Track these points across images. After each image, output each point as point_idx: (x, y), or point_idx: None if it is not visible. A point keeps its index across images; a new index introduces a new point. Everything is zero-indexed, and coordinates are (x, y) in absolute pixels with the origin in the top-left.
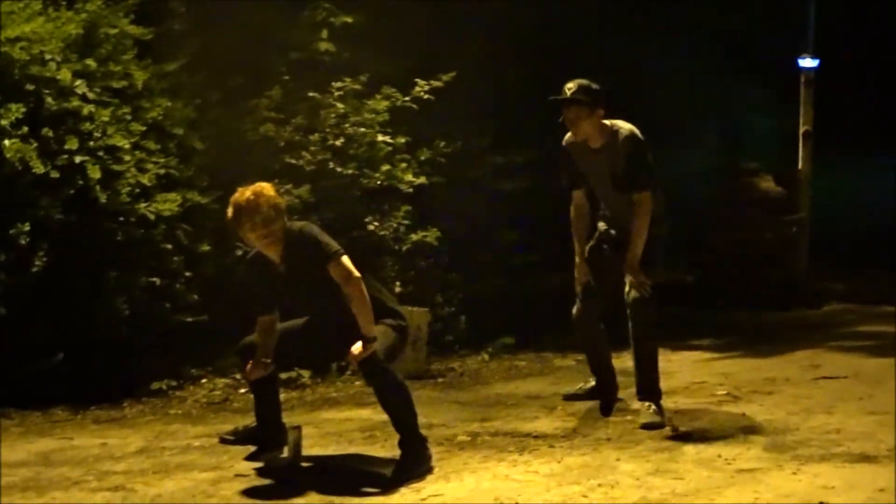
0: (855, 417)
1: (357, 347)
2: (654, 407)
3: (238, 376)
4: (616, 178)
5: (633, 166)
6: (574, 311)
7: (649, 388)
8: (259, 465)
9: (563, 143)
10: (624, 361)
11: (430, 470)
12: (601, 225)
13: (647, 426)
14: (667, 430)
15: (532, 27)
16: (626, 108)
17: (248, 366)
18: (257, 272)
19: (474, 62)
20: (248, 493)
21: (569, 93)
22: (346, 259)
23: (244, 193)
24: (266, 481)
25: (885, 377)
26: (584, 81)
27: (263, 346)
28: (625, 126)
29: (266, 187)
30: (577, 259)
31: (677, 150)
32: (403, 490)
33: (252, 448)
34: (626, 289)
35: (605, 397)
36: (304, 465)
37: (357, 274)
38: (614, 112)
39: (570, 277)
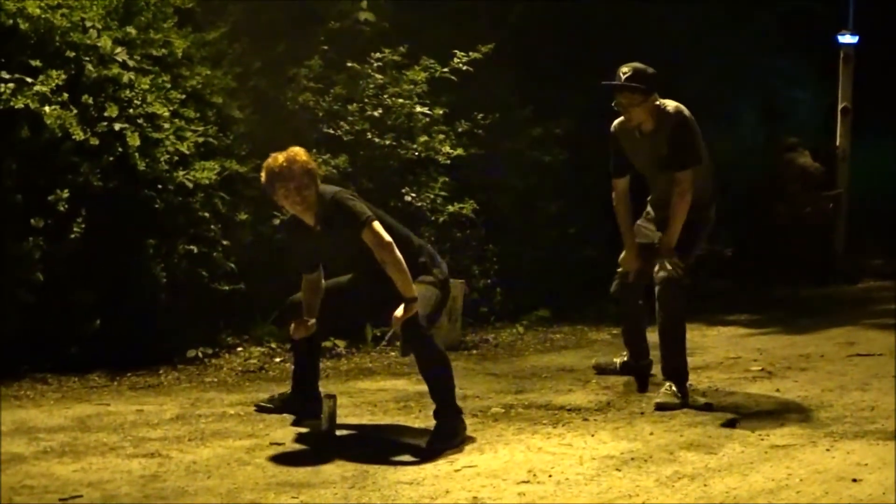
0: (889, 395)
1: (399, 311)
2: (674, 387)
3: (274, 345)
4: (662, 159)
5: (676, 144)
6: (614, 285)
7: (673, 367)
8: (294, 433)
9: (612, 128)
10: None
11: (464, 441)
12: (649, 208)
13: (660, 406)
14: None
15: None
16: (667, 84)
17: (293, 325)
18: (295, 233)
19: (513, 33)
20: (284, 460)
21: (623, 77)
22: (377, 225)
23: (277, 159)
24: (301, 449)
25: None
26: (638, 65)
27: (309, 304)
28: (671, 105)
29: (299, 152)
30: (626, 248)
31: (718, 126)
32: (437, 460)
33: (287, 416)
34: (656, 268)
35: (638, 373)
36: (339, 433)
37: (388, 239)
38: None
39: (609, 251)
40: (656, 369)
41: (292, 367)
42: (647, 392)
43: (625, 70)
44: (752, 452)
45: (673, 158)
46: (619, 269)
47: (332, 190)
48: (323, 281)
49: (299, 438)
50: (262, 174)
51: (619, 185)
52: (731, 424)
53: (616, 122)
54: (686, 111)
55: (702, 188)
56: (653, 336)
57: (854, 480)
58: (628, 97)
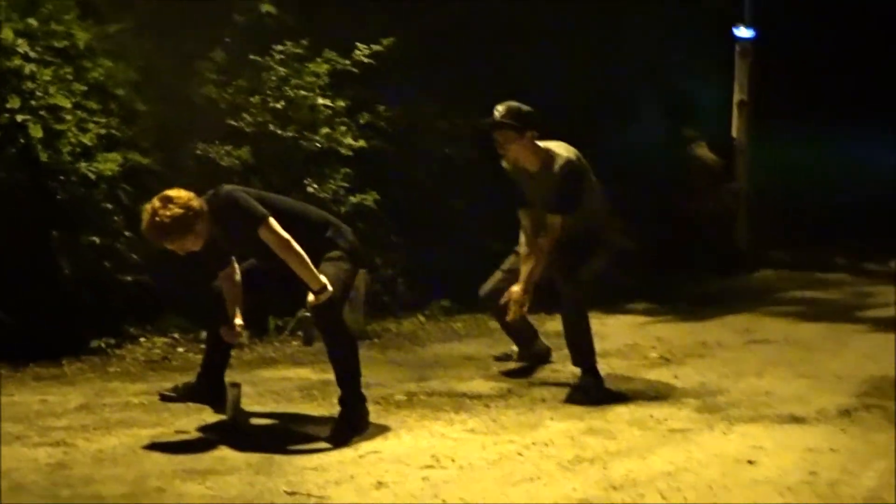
0: (785, 380)
1: (311, 297)
2: (586, 378)
3: (177, 335)
4: (547, 203)
5: (559, 190)
6: (487, 286)
7: (583, 356)
8: (199, 422)
9: (504, 164)
10: (557, 324)
11: (367, 427)
12: None
13: (573, 400)
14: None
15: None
16: (570, 83)
17: (223, 329)
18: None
19: (418, 27)
20: (189, 448)
21: (497, 115)
22: (272, 223)
23: (145, 220)
24: (206, 437)
25: (815, 342)
26: (513, 104)
27: (231, 302)
28: (562, 154)
29: (176, 199)
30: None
31: (620, 119)
32: (342, 447)
33: (192, 405)
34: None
35: (536, 359)
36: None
37: (286, 236)
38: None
39: (509, 242)
40: (556, 355)
41: (202, 354)
42: (545, 378)
43: (500, 109)
44: (651, 437)
45: (553, 202)
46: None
47: (225, 190)
48: (238, 272)
49: (204, 427)
50: (154, 236)
51: (522, 217)
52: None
53: (503, 161)
54: (575, 158)
55: (592, 219)
56: (554, 324)
57: (750, 462)
58: (503, 135)
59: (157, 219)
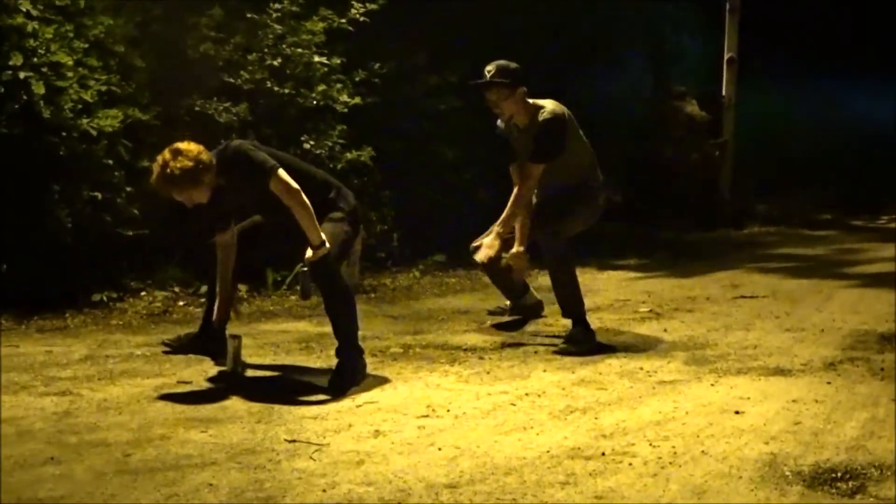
0: (771, 334)
1: (309, 252)
2: (577, 328)
3: (177, 289)
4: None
5: (537, 139)
6: (476, 242)
7: (570, 307)
8: (201, 372)
9: (496, 129)
10: (547, 279)
11: (365, 378)
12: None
13: (563, 352)
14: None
15: None
16: (557, 33)
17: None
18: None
19: None
20: (191, 398)
21: (488, 76)
22: (282, 173)
23: (154, 172)
24: (208, 387)
25: (802, 296)
26: (501, 62)
27: (224, 276)
28: (548, 107)
29: (186, 152)
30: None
31: (606, 73)
32: (340, 397)
33: (193, 356)
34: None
35: (527, 312)
36: (244, 373)
37: (295, 186)
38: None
39: (503, 195)
40: (547, 309)
41: (201, 308)
42: (537, 331)
43: (489, 68)
44: (641, 388)
45: (531, 151)
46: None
47: (234, 144)
48: (234, 240)
49: (206, 378)
50: (160, 184)
51: (513, 172)
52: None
53: (499, 121)
54: (559, 112)
55: (581, 175)
56: (544, 278)
57: (736, 412)
58: (496, 93)
59: (168, 170)
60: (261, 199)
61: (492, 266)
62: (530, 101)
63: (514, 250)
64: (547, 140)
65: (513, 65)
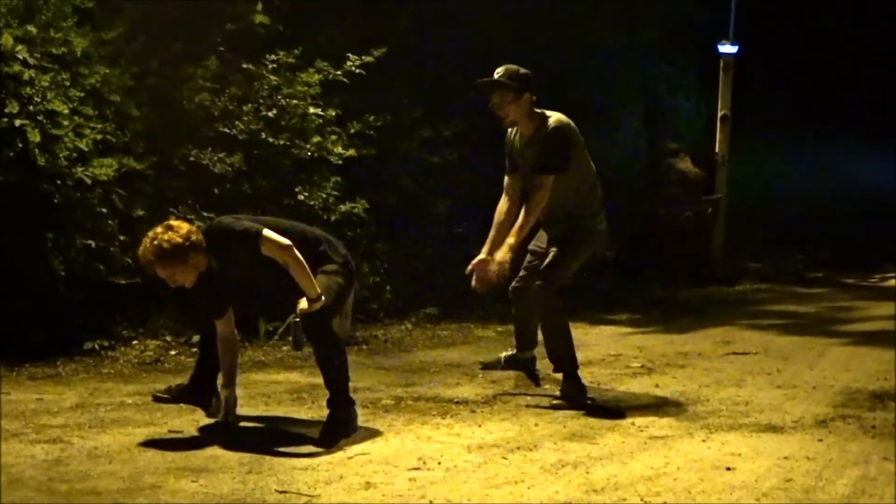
0: (763, 390)
1: (303, 303)
2: (569, 384)
3: (169, 338)
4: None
5: (545, 149)
6: (514, 283)
7: (563, 362)
8: (192, 422)
9: (506, 130)
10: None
11: (356, 430)
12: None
13: (564, 398)
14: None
15: (463, 5)
16: (554, 89)
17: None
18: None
19: (404, 36)
20: (182, 447)
21: (496, 76)
22: (269, 233)
23: (146, 248)
24: (199, 437)
25: (793, 353)
26: (512, 67)
27: (229, 369)
28: (554, 117)
29: (177, 228)
30: (483, 251)
31: (601, 130)
32: (331, 448)
33: (184, 406)
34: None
35: (523, 368)
36: (236, 423)
37: (287, 242)
38: (543, 96)
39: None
40: (540, 364)
41: (194, 358)
42: (539, 385)
43: (499, 70)
44: (632, 442)
45: (538, 162)
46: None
47: (215, 223)
48: (234, 329)
49: (197, 427)
50: (152, 261)
51: (508, 182)
52: (617, 415)
53: (507, 127)
54: (567, 122)
55: (586, 198)
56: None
57: (728, 469)
58: (500, 95)
59: (156, 242)
60: (257, 266)
61: (523, 301)
62: (537, 110)
63: (500, 257)
64: (555, 148)
65: (523, 70)
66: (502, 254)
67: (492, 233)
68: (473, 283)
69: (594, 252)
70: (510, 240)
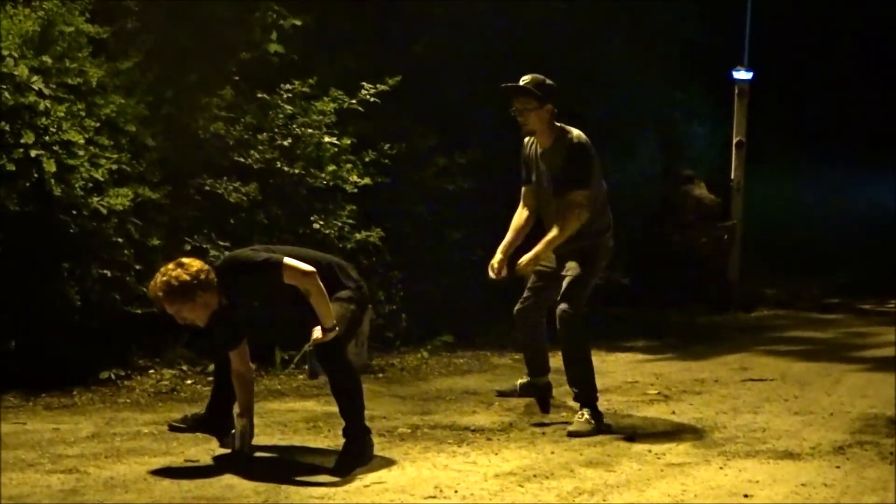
0: (780, 417)
1: (317, 332)
2: (586, 415)
3: (185, 367)
4: (557, 181)
5: (573, 165)
6: (518, 305)
7: (583, 391)
8: (208, 451)
9: (524, 139)
10: (559, 359)
11: (372, 459)
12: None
13: (572, 434)
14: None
15: (478, 32)
16: (570, 113)
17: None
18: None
19: (419, 64)
20: (198, 476)
21: (521, 83)
22: (290, 261)
23: (156, 285)
24: (215, 466)
25: (811, 380)
26: (539, 76)
27: (245, 401)
28: (575, 132)
29: (188, 266)
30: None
31: (617, 157)
32: (347, 477)
33: (200, 436)
34: (559, 302)
35: (538, 394)
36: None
37: (310, 269)
38: (563, 116)
39: (511, 278)
40: (557, 391)
41: (210, 387)
42: (549, 413)
43: (525, 78)
44: (649, 470)
45: (569, 177)
46: (525, 295)
47: (227, 258)
48: (249, 362)
49: (213, 457)
50: (161, 298)
51: (525, 193)
52: (630, 439)
53: (525, 136)
54: (587, 139)
55: (598, 215)
56: (555, 360)
57: (745, 496)
58: (523, 101)
59: (165, 277)
60: (277, 296)
61: (527, 323)
62: (557, 123)
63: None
64: (583, 164)
65: (549, 81)
66: (529, 256)
67: (508, 236)
68: (491, 274)
69: (601, 270)
70: (539, 248)
